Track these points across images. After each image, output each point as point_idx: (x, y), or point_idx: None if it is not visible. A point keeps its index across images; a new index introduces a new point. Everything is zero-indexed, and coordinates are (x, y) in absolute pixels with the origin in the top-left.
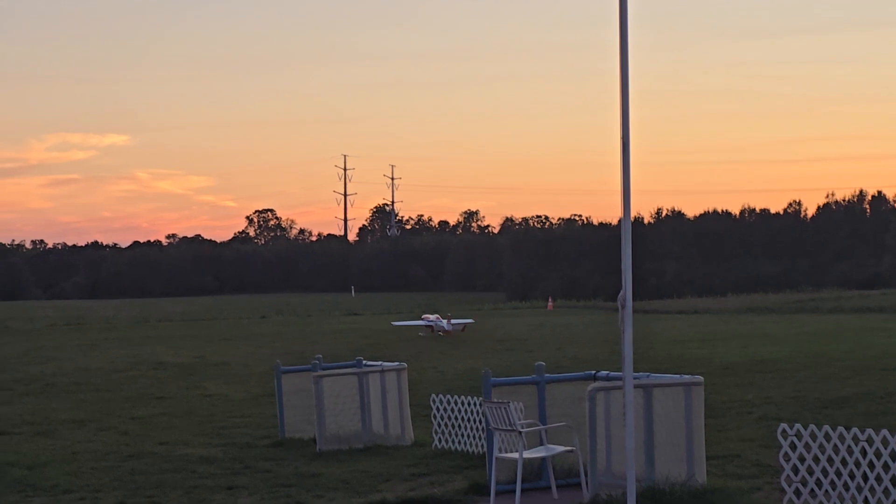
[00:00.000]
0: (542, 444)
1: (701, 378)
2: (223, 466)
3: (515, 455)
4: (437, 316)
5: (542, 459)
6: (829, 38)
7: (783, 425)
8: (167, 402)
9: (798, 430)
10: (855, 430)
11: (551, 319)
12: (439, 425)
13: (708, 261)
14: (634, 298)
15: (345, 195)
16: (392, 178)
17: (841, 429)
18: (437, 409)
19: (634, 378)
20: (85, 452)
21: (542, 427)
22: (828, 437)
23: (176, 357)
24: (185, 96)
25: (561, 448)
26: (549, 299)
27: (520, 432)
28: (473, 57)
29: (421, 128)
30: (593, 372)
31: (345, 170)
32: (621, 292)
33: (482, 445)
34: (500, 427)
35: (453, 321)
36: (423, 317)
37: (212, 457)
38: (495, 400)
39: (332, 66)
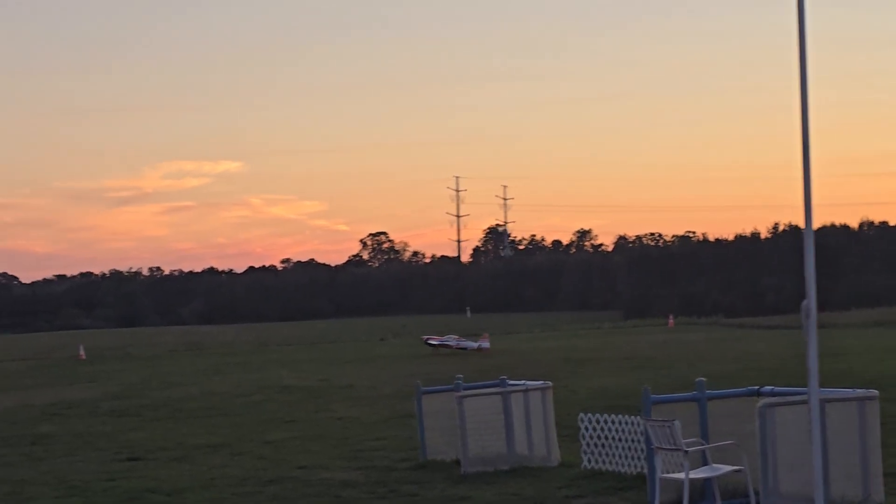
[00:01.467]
0: (705, 463)
1: (876, 392)
2: (367, 490)
3: (681, 476)
4: (457, 337)
5: (707, 480)
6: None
7: None
8: (298, 426)
9: None
10: None
11: (674, 337)
12: (588, 445)
13: (827, 275)
14: (751, 314)
15: (457, 216)
16: (504, 199)
17: None
18: (586, 429)
19: (802, 394)
20: (223, 478)
21: (708, 446)
22: None
23: (301, 380)
24: (295, 122)
25: (727, 468)
26: (670, 317)
27: (685, 452)
28: (581, 77)
29: (531, 148)
30: (757, 388)
31: (457, 191)
32: (804, 301)
33: (637, 466)
34: (664, 446)
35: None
36: (426, 338)
37: (353, 481)
38: (659, 418)
39: (441, 87)
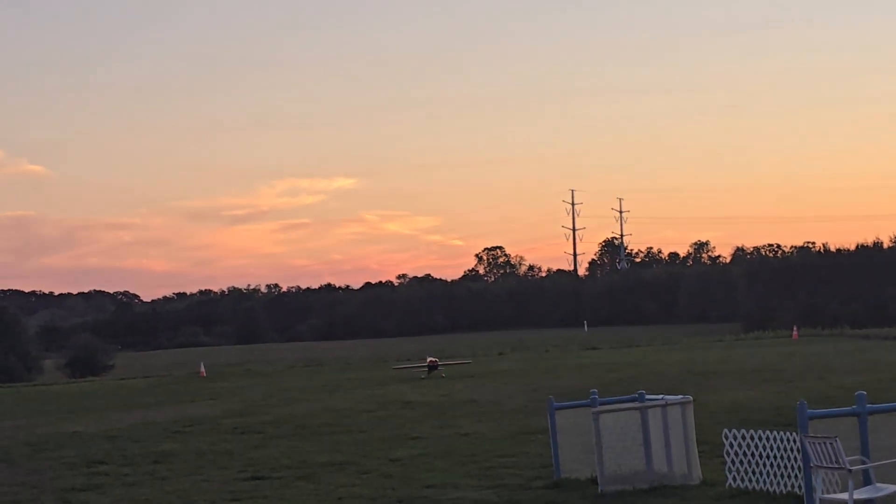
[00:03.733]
0: (868, 483)
1: None
2: None
3: (843, 496)
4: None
5: (870, 501)
6: None
7: None
8: (424, 442)
9: None
10: None
11: (800, 349)
12: (733, 462)
13: None
14: (875, 325)
15: (573, 230)
16: (620, 212)
17: None
18: (731, 446)
19: None
20: (351, 498)
21: (874, 464)
22: None
23: (423, 396)
24: (409, 138)
25: (894, 487)
26: (794, 328)
27: (850, 470)
28: (696, 89)
29: (647, 160)
30: None
31: (573, 204)
32: None
33: (788, 484)
34: (825, 465)
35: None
36: (428, 360)
37: (486, 500)
38: (819, 434)
39: (555, 101)
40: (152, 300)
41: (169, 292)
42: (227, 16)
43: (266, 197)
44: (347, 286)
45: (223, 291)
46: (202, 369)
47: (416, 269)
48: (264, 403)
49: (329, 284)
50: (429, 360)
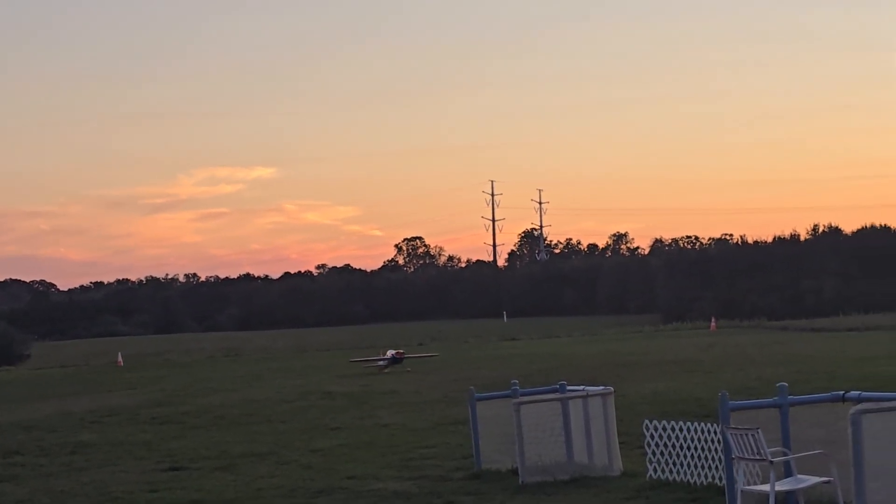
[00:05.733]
0: (789, 474)
1: None
2: (422, 502)
3: (765, 487)
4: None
5: (791, 492)
6: None
7: None
8: (344, 433)
9: None
10: None
11: (719, 340)
12: (654, 453)
13: (868, 277)
14: (792, 317)
15: (493, 220)
16: (540, 203)
17: None
18: (652, 437)
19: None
20: (270, 489)
21: (795, 456)
22: None
23: (343, 387)
24: (328, 127)
25: (815, 479)
26: (713, 319)
27: (771, 462)
28: (616, 80)
29: (567, 151)
30: (842, 392)
31: (492, 195)
32: None
33: (708, 476)
34: (746, 456)
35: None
36: (386, 352)
37: (407, 492)
38: (741, 426)
39: (476, 91)
40: (69, 289)
41: (86, 281)
42: (144, 2)
43: (184, 186)
44: (266, 276)
45: (141, 281)
46: (120, 359)
47: (335, 260)
48: (183, 393)
49: (248, 274)
50: (390, 353)
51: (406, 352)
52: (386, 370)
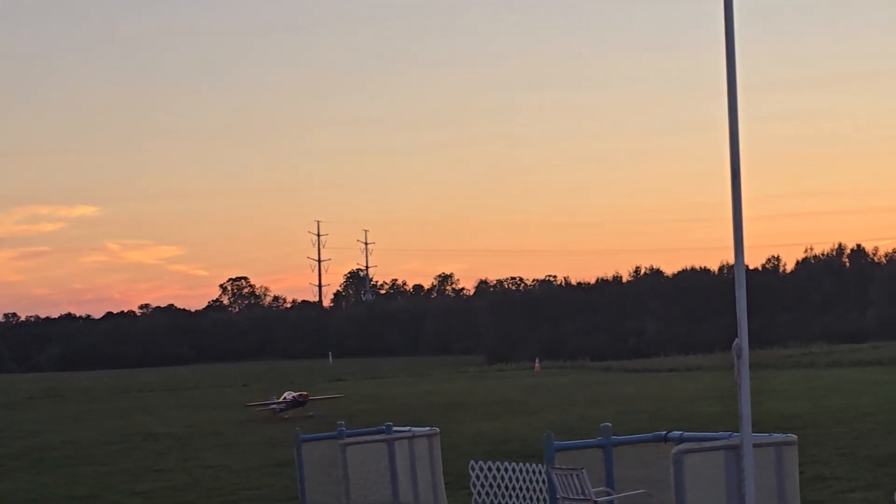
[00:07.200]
0: None
1: (795, 437)
2: None
3: None
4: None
5: None
6: (795, 97)
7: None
8: (168, 475)
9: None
10: None
11: (542, 381)
12: (479, 494)
13: (689, 318)
14: (615, 357)
15: (318, 261)
16: (366, 243)
17: None
18: (478, 477)
19: (718, 439)
20: None
21: (619, 496)
22: None
23: (167, 428)
24: (152, 166)
25: None
26: (536, 360)
27: (595, 501)
28: (440, 122)
29: (392, 192)
30: (664, 433)
31: (318, 235)
32: (736, 340)
33: None
34: (571, 496)
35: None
36: (284, 395)
37: None
38: (566, 466)
39: (301, 132)
40: None
41: None
42: None
43: (4, 224)
44: (89, 315)
45: None
46: None
47: (159, 299)
48: (2, 435)
49: (69, 314)
50: (290, 395)
51: (309, 393)
52: (285, 415)
